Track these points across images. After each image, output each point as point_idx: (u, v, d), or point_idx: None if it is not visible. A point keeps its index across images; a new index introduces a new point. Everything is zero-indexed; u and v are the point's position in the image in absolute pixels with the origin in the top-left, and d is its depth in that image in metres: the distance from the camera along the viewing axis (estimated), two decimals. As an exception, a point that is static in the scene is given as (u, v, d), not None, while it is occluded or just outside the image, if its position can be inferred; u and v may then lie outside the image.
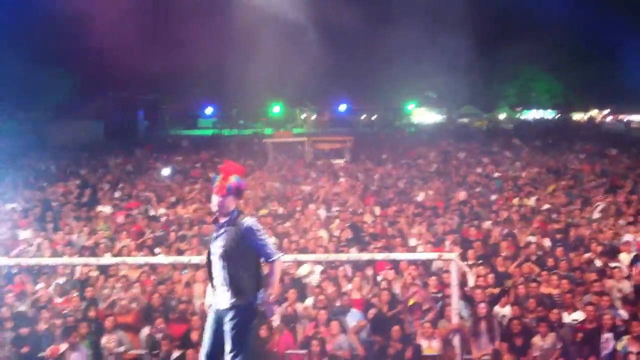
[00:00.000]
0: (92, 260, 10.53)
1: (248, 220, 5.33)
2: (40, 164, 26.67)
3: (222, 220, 5.27)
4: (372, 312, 9.96)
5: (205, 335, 5.43)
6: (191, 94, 52.02)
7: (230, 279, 5.19)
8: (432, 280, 10.97)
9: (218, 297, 5.31)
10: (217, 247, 5.23)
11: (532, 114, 59.66)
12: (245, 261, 5.26)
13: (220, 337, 5.40)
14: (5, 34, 34.00)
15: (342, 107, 54.53)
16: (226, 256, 5.19)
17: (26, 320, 10.09)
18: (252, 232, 5.25)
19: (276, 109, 52.70)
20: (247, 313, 5.31)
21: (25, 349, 9.38)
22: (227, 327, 5.23)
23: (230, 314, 5.22)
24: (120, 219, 16.36)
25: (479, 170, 23.74)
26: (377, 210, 16.57)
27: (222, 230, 5.24)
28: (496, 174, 22.40)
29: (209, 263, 5.38)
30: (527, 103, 59.33)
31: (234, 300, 5.21)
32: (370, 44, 48.67)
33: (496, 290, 10.78)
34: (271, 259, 5.27)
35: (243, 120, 55.72)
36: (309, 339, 9.32)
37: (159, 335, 9.48)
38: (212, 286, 5.39)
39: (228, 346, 5.21)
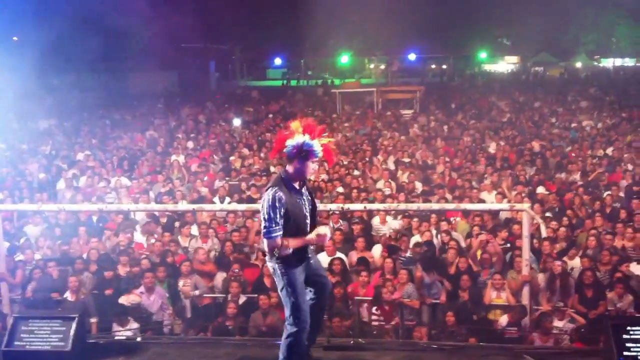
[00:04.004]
0: (170, 207, 10.86)
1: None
2: (116, 114, 27.43)
3: (300, 183, 5.32)
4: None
5: (307, 292, 5.39)
6: (260, 44, 52.08)
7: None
8: (502, 232, 10.92)
9: (307, 254, 5.38)
10: (305, 208, 5.29)
11: (610, 62, 56.90)
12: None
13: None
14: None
15: (412, 56, 53.35)
16: (312, 216, 5.35)
17: (110, 262, 10.45)
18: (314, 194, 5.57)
19: (344, 59, 52.21)
20: None
21: (108, 291, 9.64)
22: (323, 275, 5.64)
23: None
24: (194, 167, 16.83)
25: (553, 120, 23.11)
26: (446, 161, 16.42)
27: (305, 192, 5.32)
28: (572, 125, 21.76)
29: (298, 221, 5.25)
30: (606, 50, 56.47)
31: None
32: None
33: (565, 244, 10.63)
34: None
35: (311, 70, 55.53)
36: (377, 287, 9.46)
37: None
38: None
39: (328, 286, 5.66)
